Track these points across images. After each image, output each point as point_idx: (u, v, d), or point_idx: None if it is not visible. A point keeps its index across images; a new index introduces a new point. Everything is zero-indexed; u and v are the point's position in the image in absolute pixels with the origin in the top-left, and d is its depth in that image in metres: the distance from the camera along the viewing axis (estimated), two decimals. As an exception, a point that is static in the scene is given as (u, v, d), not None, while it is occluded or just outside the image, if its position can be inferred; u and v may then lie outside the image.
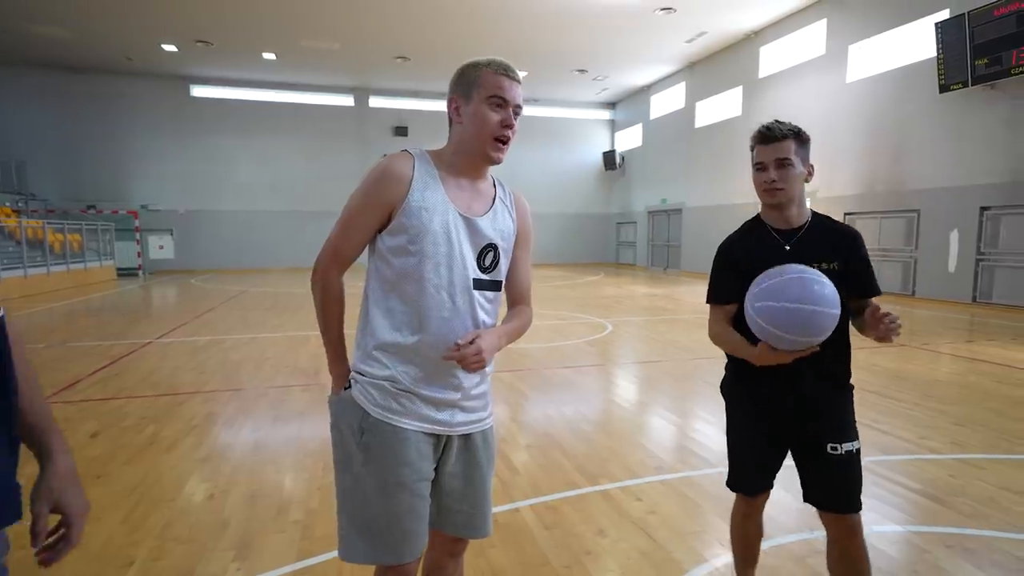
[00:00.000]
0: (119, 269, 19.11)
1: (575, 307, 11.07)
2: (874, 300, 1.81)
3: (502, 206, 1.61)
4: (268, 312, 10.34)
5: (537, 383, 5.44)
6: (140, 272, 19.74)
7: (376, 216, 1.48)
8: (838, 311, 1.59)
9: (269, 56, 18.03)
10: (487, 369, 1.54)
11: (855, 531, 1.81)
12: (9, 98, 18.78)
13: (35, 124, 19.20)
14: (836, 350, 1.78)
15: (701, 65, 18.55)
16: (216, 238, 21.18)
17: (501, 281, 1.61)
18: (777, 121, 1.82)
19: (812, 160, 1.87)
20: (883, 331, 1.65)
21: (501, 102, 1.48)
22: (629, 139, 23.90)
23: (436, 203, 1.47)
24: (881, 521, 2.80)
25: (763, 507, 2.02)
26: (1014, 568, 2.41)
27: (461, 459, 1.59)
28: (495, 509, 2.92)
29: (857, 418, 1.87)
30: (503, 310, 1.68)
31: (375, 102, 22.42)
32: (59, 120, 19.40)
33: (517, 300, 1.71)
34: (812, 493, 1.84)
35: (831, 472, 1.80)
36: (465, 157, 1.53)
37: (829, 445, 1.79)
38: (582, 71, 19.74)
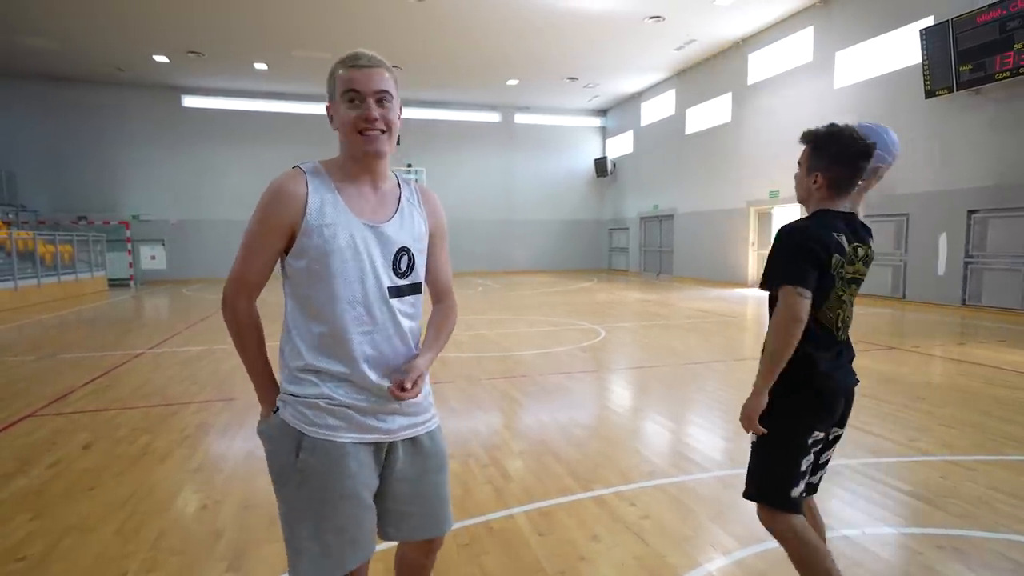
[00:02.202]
0: (111, 280, 19.00)
1: (568, 313, 11.09)
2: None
3: (409, 206, 1.57)
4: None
5: (530, 390, 5.43)
6: (132, 283, 19.64)
7: (275, 240, 1.43)
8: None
9: (261, 66, 18.05)
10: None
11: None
12: (-1, 109, 18.72)
13: (24, 135, 19.12)
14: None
15: (690, 72, 18.72)
16: (208, 248, 21.07)
17: (420, 283, 1.59)
18: (826, 125, 1.92)
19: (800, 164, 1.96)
20: None
21: (354, 95, 1.41)
22: (620, 146, 24.04)
23: (337, 218, 1.43)
24: (873, 523, 2.81)
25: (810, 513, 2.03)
26: (1005, 569, 2.43)
27: (408, 463, 1.57)
28: (489, 516, 2.93)
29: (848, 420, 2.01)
30: (428, 306, 1.69)
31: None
32: (49, 131, 19.31)
33: (440, 296, 1.71)
34: (811, 482, 1.97)
35: (824, 465, 1.99)
36: (350, 161, 1.49)
37: (840, 430, 1.98)
38: (573, 79, 19.86)
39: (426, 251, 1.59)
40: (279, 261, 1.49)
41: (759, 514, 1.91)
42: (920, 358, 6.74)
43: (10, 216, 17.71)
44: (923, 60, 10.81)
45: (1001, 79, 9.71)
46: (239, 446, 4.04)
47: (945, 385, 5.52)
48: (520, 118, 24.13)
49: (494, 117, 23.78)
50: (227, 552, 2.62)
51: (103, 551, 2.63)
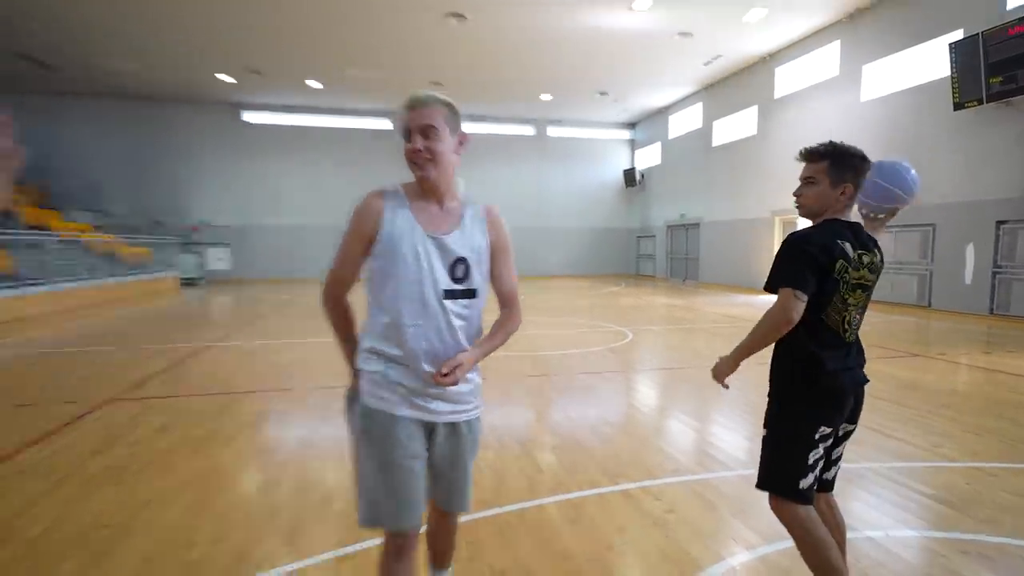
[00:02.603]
0: (182, 279, 19.63)
1: (597, 316, 11.02)
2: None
3: (471, 223, 1.69)
4: (313, 319, 10.43)
5: (562, 388, 5.42)
6: (200, 282, 20.29)
7: (359, 245, 1.63)
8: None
9: (315, 84, 18.48)
10: (469, 376, 1.69)
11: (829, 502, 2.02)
12: (86, 125, 19.62)
13: (107, 148, 20.03)
14: (780, 364, 1.97)
15: (718, 86, 18.39)
16: (268, 250, 21.68)
17: (475, 289, 1.69)
18: (829, 141, 1.88)
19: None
20: None
21: (406, 133, 1.60)
22: (648, 157, 23.76)
23: (404, 228, 1.60)
24: (896, 526, 2.72)
25: (825, 508, 2.02)
26: None
27: (446, 444, 1.71)
28: (523, 504, 2.95)
29: (869, 424, 2.05)
30: (493, 309, 1.81)
31: (412, 124, 22.72)
32: (128, 144, 20.17)
33: (505, 302, 1.82)
34: (827, 478, 1.97)
35: (837, 458, 1.99)
36: (418, 188, 1.66)
37: (851, 426, 1.96)
38: (603, 93, 19.73)
39: (485, 262, 1.71)
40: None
41: (770, 503, 1.91)
42: (945, 366, 6.46)
43: (97, 221, 18.56)
44: (952, 73, 10.34)
45: (1031, 91, 9.22)
46: (294, 433, 4.15)
47: (971, 393, 5.27)
48: (553, 131, 24.09)
49: (528, 130, 23.80)
50: (283, 528, 2.70)
51: (175, 523, 2.74)
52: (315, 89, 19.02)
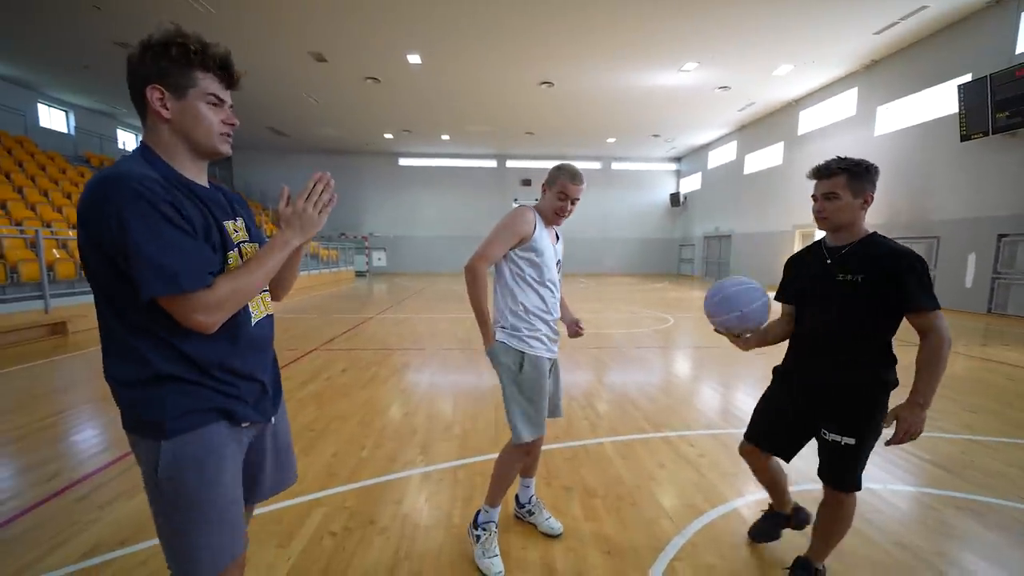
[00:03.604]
0: (356, 272, 21.21)
1: (645, 305, 10.57)
2: (921, 321, 1.41)
3: (559, 239, 1.89)
4: (440, 300, 10.88)
5: (617, 358, 5.26)
6: (367, 274, 21.78)
7: (513, 240, 1.70)
8: (743, 309, 1.64)
9: (445, 137, 19.16)
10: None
11: (833, 500, 1.54)
12: (304, 171, 21.67)
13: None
14: (853, 356, 1.49)
15: (750, 127, 16.83)
16: (412, 253, 22.85)
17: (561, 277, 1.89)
18: (837, 158, 1.51)
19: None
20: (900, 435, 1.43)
21: (565, 197, 1.74)
22: (691, 184, 22.24)
23: (545, 237, 1.77)
24: (894, 481, 2.40)
25: (766, 466, 1.76)
26: (1018, 531, 1.96)
27: (555, 372, 1.89)
28: (586, 441, 2.91)
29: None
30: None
31: (510, 164, 22.95)
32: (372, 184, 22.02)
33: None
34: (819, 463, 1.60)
35: (822, 451, 1.55)
36: (548, 216, 1.79)
37: (822, 430, 1.53)
38: (656, 136, 18.72)
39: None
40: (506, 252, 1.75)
41: (841, 499, 1.53)
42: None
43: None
44: (960, 110, 8.76)
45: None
46: (427, 378, 4.30)
47: (968, 378, 4.47)
48: (615, 165, 23.25)
49: (596, 165, 23.14)
50: (419, 443, 2.85)
51: (352, 433, 2.97)
52: (445, 140, 19.72)
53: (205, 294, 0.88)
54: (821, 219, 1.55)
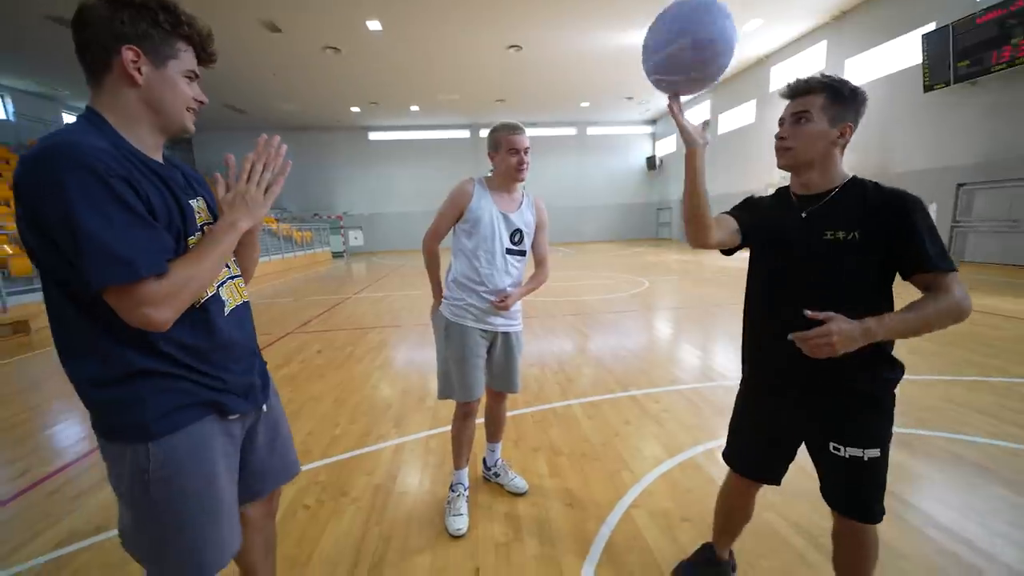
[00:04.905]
0: (332, 252, 20.69)
1: (623, 270, 10.71)
2: (940, 278, 1.04)
3: (526, 207, 1.81)
4: (419, 275, 10.72)
5: (591, 323, 5.34)
6: (344, 254, 21.33)
7: (454, 213, 1.76)
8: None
9: (415, 108, 18.50)
10: (515, 306, 1.83)
11: (855, 534, 1.16)
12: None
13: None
14: (860, 361, 1.07)
15: (722, 85, 16.69)
16: (388, 230, 22.42)
17: (525, 251, 1.81)
18: (819, 74, 1.12)
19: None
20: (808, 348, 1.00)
21: (514, 150, 1.70)
22: (667, 146, 22.15)
23: (485, 206, 1.73)
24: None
25: (754, 493, 1.37)
26: (945, 459, 2.14)
27: (503, 346, 1.84)
28: (555, 404, 3.00)
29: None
30: (530, 267, 1.91)
31: (484, 133, 22.42)
32: (295, 161, 21.02)
33: (539, 262, 1.92)
34: (821, 485, 1.20)
35: (833, 473, 1.16)
36: (502, 179, 1.77)
37: (832, 444, 1.14)
38: (629, 98, 18.44)
39: (533, 234, 1.84)
40: (452, 226, 1.79)
41: (864, 534, 1.15)
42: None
43: (278, 215, 19.88)
44: (924, 60, 8.84)
45: (998, 70, 7.75)
46: (403, 355, 4.33)
47: None
48: (591, 130, 22.93)
49: (571, 131, 22.78)
50: (393, 416, 2.90)
51: (326, 412, 3.01)
52: (415, 112, 19.06)
53: (156, 284, 0.78)
54: (783, 149, 1.15)
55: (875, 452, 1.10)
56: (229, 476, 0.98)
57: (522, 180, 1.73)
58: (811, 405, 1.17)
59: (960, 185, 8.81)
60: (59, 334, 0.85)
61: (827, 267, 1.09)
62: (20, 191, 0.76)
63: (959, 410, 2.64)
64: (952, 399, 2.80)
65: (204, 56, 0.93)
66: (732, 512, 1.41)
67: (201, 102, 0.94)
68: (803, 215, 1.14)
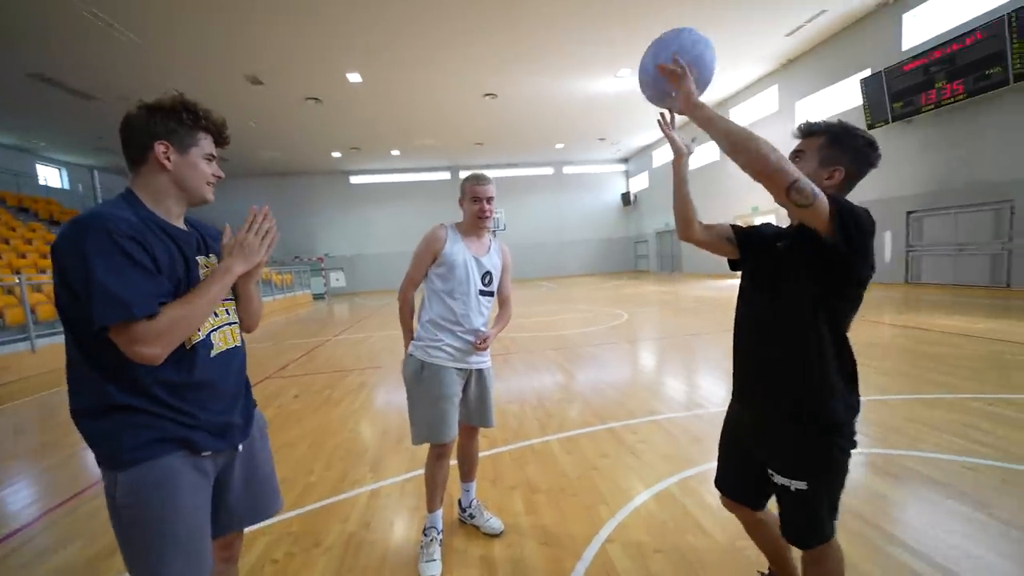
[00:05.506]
0: (313, 294, 20.55)
1: (602, 303, 10.89)
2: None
3: (494, 251, 1.93)
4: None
5: (571, 357, 5.37)
6: (325, 296, 21.16)
7: (428, 260, 1.84)
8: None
9: (395, 152, 19.04)
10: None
11: (810, 555, 1.17)
12: (247, 194, 20.71)
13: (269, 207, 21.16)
14: (796, 386, 1.12)
15: (686, 128, 17.72)
16: (369, 271, 22.41)
17: (494, 292, 1.90)
18: (838, 120, 1.19)
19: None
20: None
21: (477, 199, 1.81)
22: (640, 183, 23.15)
23: (458, 251, 1.82)
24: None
25: (755, 520, 1.36)
26: (904, 476, 2.22)
27: (477, 383, 1.90)
28: (533, 440, 2.99)
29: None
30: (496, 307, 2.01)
31: (464, 174, 23.05)
32: (276, 204, 21.15)
33: (503, 303, 2.01)
34: None
35: (778, 498, 1.19)
36: (469, 225, 1.87)
37: (769, 470, 1.19)
38: (602, 139, 19.42)
39: (499, 276, 1.94)
40: (425, 272, 1.86)
41: (812, 556, 1.16)
42: (867, 325, 6.06)
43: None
44: (864, 102, 9.74)
45: (927, 111, 8.61)
46: (382, 397, 4.29)
47: (885, 345, 4.92)
48: (567, 169, 23.87)
49: (548, 171, 23.66)
50: (370, 460, 2.86)
51: (301, 458, 2.94)
52: (395, 156, 19.59)
53: (147, 324, 0.90)
54: None
55: (801, 484, 1.11)
56: (194, 511, 1.01)
57: (485, 227, 1.84)
58: (758, 428, 1.22)
59: (910, 212, 9.46)
60: (68, 373, 1.00)
61: (770, 281, 1.17)
62: (55, 252, 0.92)
63: (919, 428, 2.75)
64: (913, 417, 2.92)
65: (220, 140, 1.14)
66: (760, 546, 1.42)
67: (219, 177, 1.14)
68: (778, 244, 1.20)
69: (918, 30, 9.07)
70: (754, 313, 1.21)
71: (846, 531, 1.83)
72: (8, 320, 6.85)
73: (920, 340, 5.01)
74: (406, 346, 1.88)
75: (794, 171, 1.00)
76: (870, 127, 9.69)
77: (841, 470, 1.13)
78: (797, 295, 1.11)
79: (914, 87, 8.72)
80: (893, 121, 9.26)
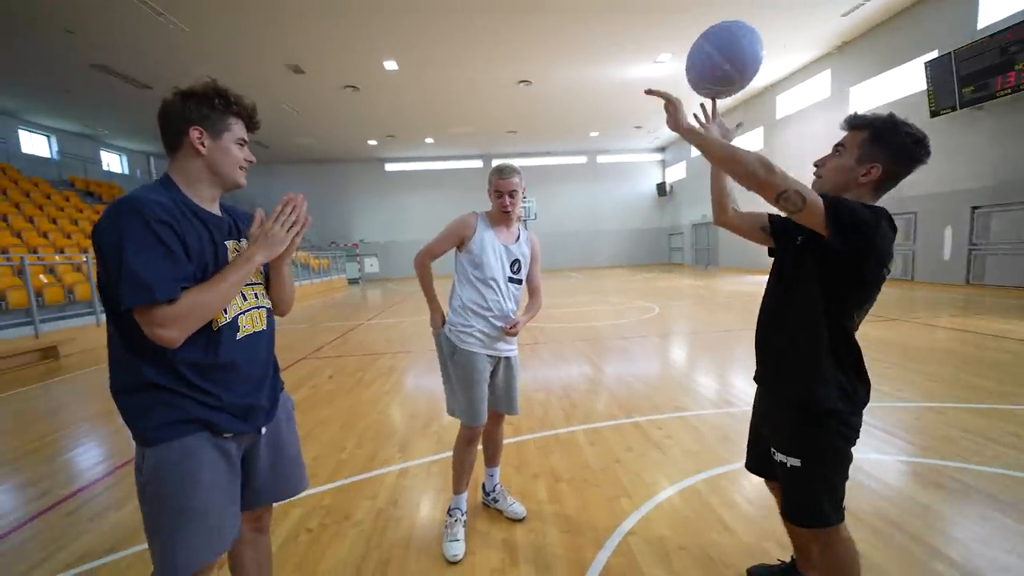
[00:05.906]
0: (348, 279, 21.12)
1: (634, 296, 10.69)
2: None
3: (523, 240, 1.96)
4: (432, 303, 10.96)
5: (599, 349, 5.33)
6: (359, 281, 21.82)
7: (453, 242, 1.89)
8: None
9: (429, 140, 19.20)
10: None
11: (816, 537, 1.20)
12: (286, 180, 21.65)
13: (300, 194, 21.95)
14: (795, 374, 1.18)
15: (729, 113, 16.98)
16: (402, 257, 22.86)
17: (523, 280, 1.93)
18: (889, 113, 1.16)
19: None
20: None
21: (500, 192, 1.84)
22: (676, 172, 22.39)
23: (488, 239, 1.87)
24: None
25: (774, 491, 1.45)
26: (954, 489, 2.09)
27: (505, 370, 1.95)
28: (558, 430, 3.01)
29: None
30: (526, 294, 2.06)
31: (495, 162, 22.92)
32: (313, 191, 21.95)
33: (533, 292, 2.02)
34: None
35: (780, 475, 1.23)
36: (496, 217, 1.91)
37: (771, 448, 1.25)
38: (639, 127, 18.85)
39: (528, 265, 1.97)
40: (455, 253, 1.92)
41: (822, 537, 1.18)
42: (920, 327, 5.68)
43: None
44: (928, 87, 8.93)
45: (1003, 96, 7.78)
46: (411, 381, 4.40)
47: (938, 348, 4.61)
48: (601, 159, 23.37)
49: (582, 159, 23.25)
50: (399, 441, 2.96)
51: (333, 436, 3.07)
52: (429, 143, 19.76)
53: (167, 308, 0.93)
54: (815, 176, 1.21)
55: (795, 462, 1.17)
56: (215, 491, 1.05)
57: (508, 219, 1.87)
58: (766, 408, 1.33)
59: (975, 208, 8.70)
60: (108, 351, 1.04)
61: (786, 272, 1.24)
62: (94, 234, 0.97)
63: (971, 438, 2.58)
64: (964, 427, 2.74)
65: (251, 125, 1.17)
66: (788, 530, 1.47)
67: (250, 161, 1.17)
68: (798, 239, 1.21)
69: (996, 6, 8.21)
70: (771, 303, 1.28)
71: (887, 543, 1.75)
72: (77, 296, 7.46)
73: (978, 345, 4.67)
74: (432, 312, 1.95)
75: (782, 183, 1.03)
76: (934, 114, 8.92)
77: (838, 456, 1.17)
78: (806, 290, 1.15)
79: (989, 69, 7.91)
80: (961, 107, 8.45)
